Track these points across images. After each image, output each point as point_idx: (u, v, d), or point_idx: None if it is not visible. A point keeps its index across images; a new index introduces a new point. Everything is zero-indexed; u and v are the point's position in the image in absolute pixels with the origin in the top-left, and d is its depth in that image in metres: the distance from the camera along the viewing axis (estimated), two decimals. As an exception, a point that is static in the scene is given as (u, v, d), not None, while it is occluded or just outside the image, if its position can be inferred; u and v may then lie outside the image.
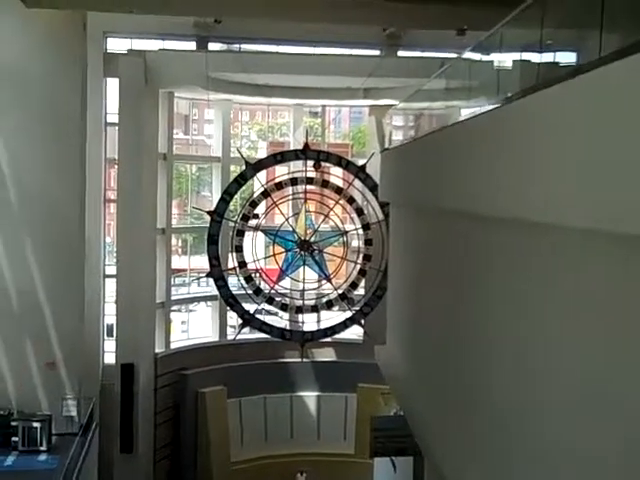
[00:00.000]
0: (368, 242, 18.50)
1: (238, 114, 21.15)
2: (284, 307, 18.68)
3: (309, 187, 18.63)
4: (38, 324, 14.84)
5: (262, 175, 18.55)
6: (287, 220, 18.78)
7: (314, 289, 19.06)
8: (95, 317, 17.25)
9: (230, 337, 18.96)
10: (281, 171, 19.48)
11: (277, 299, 18.56)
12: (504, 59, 7.81)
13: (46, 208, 14.82)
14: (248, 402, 18.64)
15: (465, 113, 8.77)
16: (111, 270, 17.72)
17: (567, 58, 6.60)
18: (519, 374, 6.02)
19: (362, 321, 18.39)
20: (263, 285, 18.75)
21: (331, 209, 18.73)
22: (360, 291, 18.92)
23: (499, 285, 6.66)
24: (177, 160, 19.11)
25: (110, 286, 17.68)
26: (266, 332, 18.22)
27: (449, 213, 8.41)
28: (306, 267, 18.75)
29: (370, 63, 17.37)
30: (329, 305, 18.73)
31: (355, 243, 19.23)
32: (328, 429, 18.90)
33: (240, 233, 18.12)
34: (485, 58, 8.56)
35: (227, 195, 17.87)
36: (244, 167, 17.99)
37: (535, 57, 6.84)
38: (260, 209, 18.51)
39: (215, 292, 18.37)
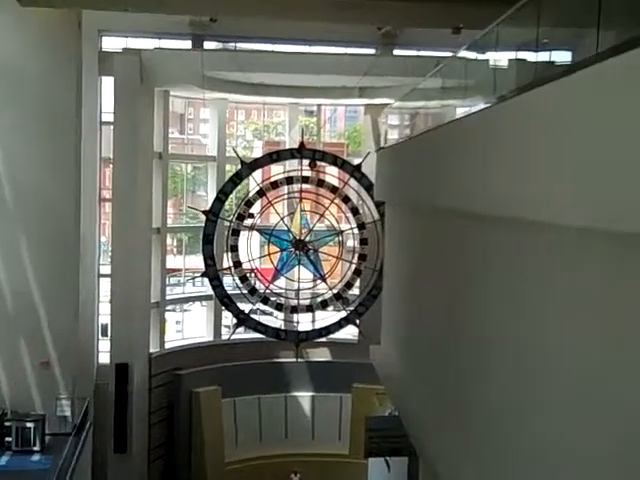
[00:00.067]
0: (363, 242, 18.47)
1: (233, 113, 21.08)
2: (279, 307, 18.65)
3: (304, 186, 18.61)
4: (32, 323, 14.79)
5: (258, 174, 18.52)
6: (282, 219, 18.75)
7: (309, 289, 19.02)
8: (89, 317, 17.20)
9: (225, 337, 18.92)
10: (276, 170, 19.44)
11: (272, 299, 18.53)
12: (499, 58, 7.80)
13: (41, 207, 14.78)
14: (242, 402, 18.60)
15: (460, 112, 8.75)
16: (106, 269, 17.66)
17: (562, 57, 6.59)
18: (515, 373, 6.01)
19: (357, 321, 18.37)
20: (258, 285, 18.72)
21: (326, 208, 18.71)
22: (355, 291, 18.89)
23: (495, 284, 6.64)
24: (172, 159, 19.05)
25: (105, 286, 17.61)
26: (261, 332, 18.19)
27: (445, 212, 8.39)
28: (301, 267, 18.72)
29: (366, 62, 17.34)
30: (324, 305, 18.70)
31: (350, 243, 19.21)
32: (323, 429, 18.87)
33: (235, 232, 18.09)
34: (480, 57, 8.56)
35: (222, 194, 17.84)
36: (239, 166, 17.96)
37: (530, 56, 6.84)
38: (255, 208, 18.49)
39: (210, 292, 18.34)
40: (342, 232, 18.87)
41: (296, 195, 18.72)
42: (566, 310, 4.98)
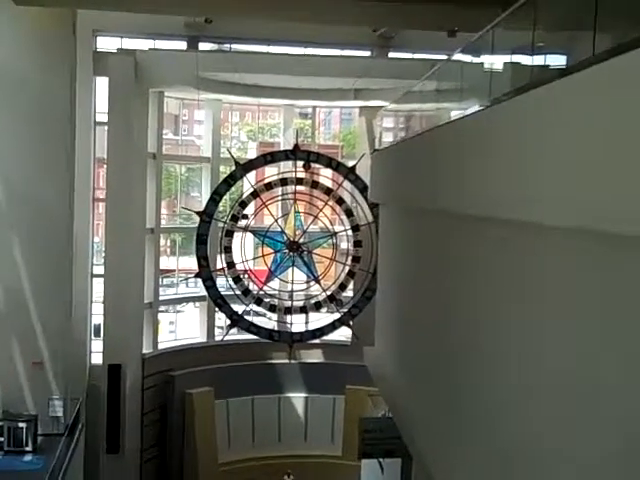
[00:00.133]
0: (357, 243, 18.49)
1: (228, 115, 21.08)
2: (272, 308, 18.66)
3: (299, 188, 18.61)
4: (25, 324, 14.75)
5: (252, 176, 18.53)
6: (276, 221, 18.75)
7: (303, 290, 19.03)
8: (82, 317, 17.14)
9: (218, 338, 18.89)
10: (271, 172, 19.45)
11: (266, 300, 18.54)
12: (494, 61, 7.83)
13: (34, 207, 14.74)
14: (236, 403, 18.56)
15: (455, 114, 8.79)
16: (99, 270, 17.61)
17: (557, 60, 6.63)
18: (508, 374, 6.03)
19: (350, 322, 18.38)
20: (252, 286, 18.72)
21: (320, 210, 18.72)
22: (349, 293, 18.90)
23: (489, 286, 6.67)
24: (166, 160, 19.03)
25: (98, 286, 17.56)
26: (254, 333, 18.19)
27: (439, 213, 8.42)
28: (295, 268, 18.73)
29: (361, 64, 17.40)
30: (318, 306, 18.71)
31: (344, 245, 19.23)
32: (316, 431, 18.85)
33: (229, 234, 18.09)
34: (475, 60, 8.59)
35: (216, 195, 17.84)
36: (234, 167, 17.96)
37: (524, 59, 6.87)
38: (249, 210, 18.49)
39: (203, 293, 18.33)
40: (336, 234, 18.88)
41: (290, 197, 18.73)
42: (559, 311, 5.02)
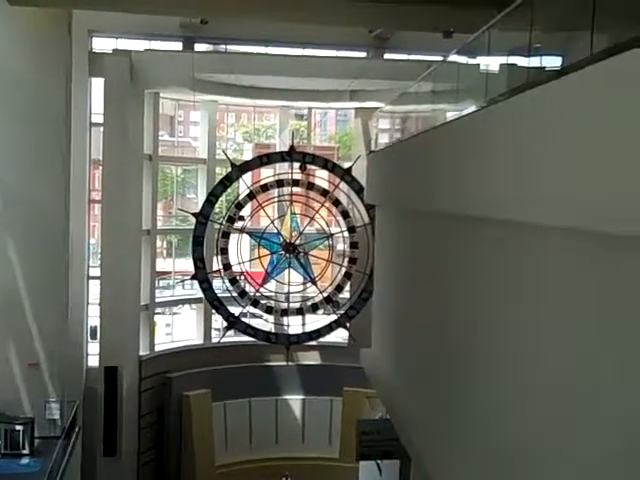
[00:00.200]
0: (354, 245, 18.49)
1: (224, 116, 21.06)
2: (269, 310, 18.63)
3: (295, 189, 18.60)
4: (21, 326, 14.72)
5: (248, 177, 18.51)
6: (273, 222, 18.73)
7: (299, 292, 19.02)
8: (79, 319, 17.10)
9: (215, 340, 18.86)
10: (266, 173, 19.43)
11: (262, 302, 18.52)
12: (489, 62, 7.83)
13: (29, 208, 14.70)
14: (233, 405, 18.53)
15: (450, 115, 8.78)
16: (95, 271, 17.57)
17: (553, 61, 6.62)
18: (505, 375, 6.03)
19: (347, 324, 18.36)
20: (248, 288, 18.69)
21: (317, 212, 18.71)
22: (345, 294, 18.89)
23: (486, 286, 6.66)
24: (162, 161, 18.99)
25: (94, 288, 17.52)
26: (251, 335, 18.16)
27: (435, 214, 8.41)
28: (291, 270, 18.71)
29: (357, 65, 17.39)
30: (314, 308, 18.70)
31: (340, 246, 19.22)
32: (313, 433, 18.82)
33: (225, 235, 18.08)
34: (470, 61, 8.59)
35: (213, 197, 17.82)
36: (230, 169, 17.94)
37: (520, 60, 6.87)
38: (245, 211, 18.47)
39: (199, 295, 18.30)
40: (332, 235, 18.87)
41: (286, 198, 18.71)
42: (557, 311, 5.01)
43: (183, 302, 20.48)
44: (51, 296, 15.10)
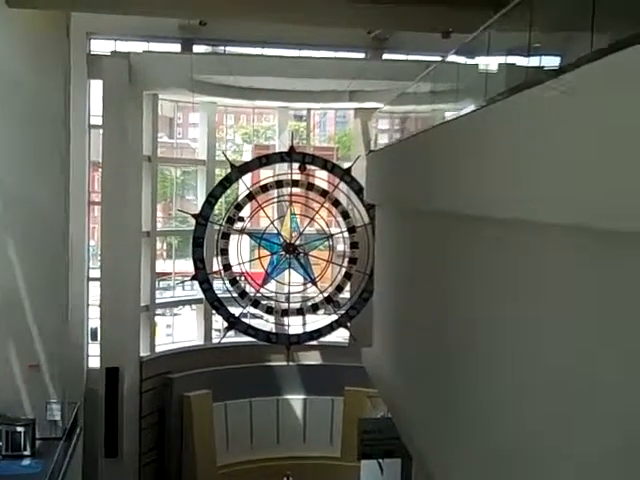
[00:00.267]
0: (354, 245, 18.52)
1: (223, 118, 21.09)
2: (270, 310, 18.65)
3: (294, 190, 18.63)
4: (21, 327, 14.72)
5: (247, 178, 18.53)
6: (272, 223, 18.75)
7: (300, 292, 19.04)
8: (79, 320, 17.12)
9: (215, 341, 18.88)
10: (266, 174, 19.46)
11: (263, 302, 18.54)
12: (488, 62, 7.86)
13: (29, 210, 14.71)
14: (234, 406, 18.55)
15: (449, 115, 8.81)
16: (95, 273, 17.60)
17: (551, 61, 6.65)
18: (505, 374, 6.05)
19: (348, 324, 18.38)
20: (248, 288, 18.72)
21: (317, 212, 18.74)
22: (346, 294, 18.91)
23: (485, 285, 6.69)
24: (162, 163, 19.00)
25: (94, 289, 17.54)
26: (251, 335, 18.18)
27: (434, 214, 8.44)
28: (292, 270, 18.74)
29: (355, 66, 17.42)
30: (315, 308, 18.73)
31: (340, 247, 19.25)
32: (314, 432, 18.84)
33: (225, 236, 18.10)
34: (469, 61, 8.62)
35: (212, 198, 17.85)
36: (229, 170, 17.98)
37: (519, 59, 6.90)
38: (245, 212, 18.50)
39: (200, 295, 18.32)
40: (332, 236, 18.90)
41: (286, 199, 18.74)
42: (557, 310, 5.03)
43: (183, 303, 20.51)
44: (51, 298, 15.11)
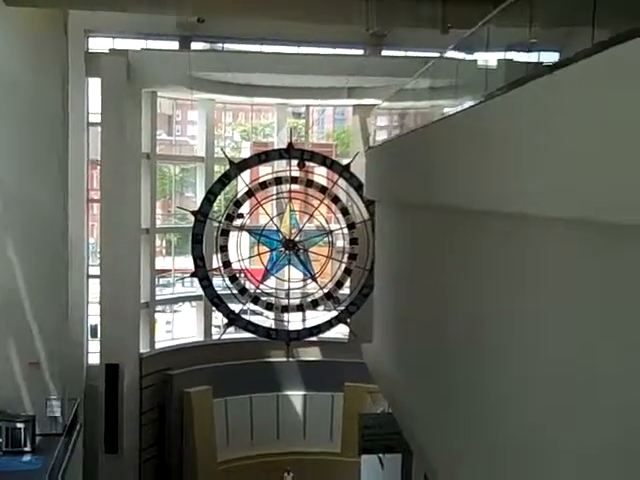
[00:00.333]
0: (353, 241, 18.55)
1: (221, 115, 21.09)
2: (269, 306, 18.68)
3: (293, 186, 18.66)
4: (21, 324, 14.77)
5: (246, 175, 18.55)
6: (272, 219, 18.78)
7: (299, 288, 19.08)
8: (79, 318, 17.15)
9: (215, 337, 18.92)
10: (265, 171, 19.49)
11: (262, 298, 18.57)
12: (487, 57, 7.87)
13: (28, 209, 14.73)
14: (234, 402, 18.59)
15: (448, 110, 8.82)
16: (95, 270, 17.62)
17: (550, 56, 6.67)
18: (507, 368, 6.07)
19: (348, 320, 18.42)
20: (248, 285, 18.74)
21: (316, 208, 18.76)
22: (345, 290, 18.95)
23: (487, 279, 6.71)
24: (160, 160, 19.02)
25: (94, 287, 17.56)
26: (251, 331, 18.23)
27: (435, 209, 8.46)
28: (291, 267, 18.76)
29: (354, 62, 17.45)
30: (314, 304, 18.76)
31: (340, 242, 19.27)
32: (314, 428, 18.89)
33: (225, 233, 18.13)
34: (467, 56, 8.63)
35: (211, 195, 17.87)
36: (228, 167, 17.99)
37: (518, 55, 6.92)
38: (244, 209, 18.52)
39: (199, 292, 18.34)
40: (332, 232, 18.93)
41: (285, 195, 18.77)
42: (560, 303, 5.05)
43: (183, 300, 20.52)
44: (51, 295, 15.13)
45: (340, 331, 19.19)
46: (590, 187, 4.16)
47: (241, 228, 18.44)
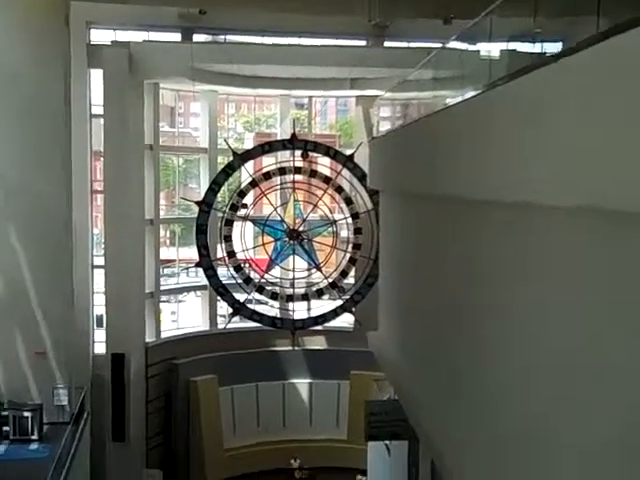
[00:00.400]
0: (357, 231, 18.62)
1: (224, 106, 21.13)
2: (274, 296, 18.78)
3: (297, 177, 18.73)
4: (27, 314, 14.84)
5: (249, 166, 18.62)
6: (276, 209, 18.86)
7: (304, 278, 19.17)
8: (84, 308, 17.21)
9: (221, 326, 19.03)
10: (268, 162, 19.55)
11: (267, 288, 18.66)
12: (489, 47, 7.90)
13: (32, 200, 14.77)
14: (240, 390, 18.72)
15: (452, 100, 8.85)
16: (100, 261, 17.71)
17: (553, 46, 6.71)
18: (509, 357, 6.11)
19: (353, 309, 18.51)
20: (253, 274, 18.84)
21: (320, 198, 18.83)
22: (350, 280, 19.04)
23: (491, 268, 6.74)
24: (164, 151, 19.09)
25: (99, 277, 17.66)
26: (257, 321, 18.34)
27: (439, 198, 8.50)
28: (296, 256, 18.85)
29: (356, 53, 17.47)
30: (319, 293, 18.86)
31: (344, 232, 19.36)
32: (320, 416, 19.02)
33: (229, 223, 18.21)
34: (470, 47, 8.66)
35: (215, 185, 17.96)
36: (231, 158, 18.07)
37: (521, 45, 6.95)
38: (248, 199, 18.60)
39: (204, 282, 18.45)
40: (336, 222, 19.01)
41: (289, 185, 18.84)
42: (564, 291, 5.08)
43: (188, 289, 20.62)
44: (56, 285, 15.20)
45: (345, 320, 19.30)
46: (598, 175, 4.17)
47: (245, 218, 18.52)
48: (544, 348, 5.32)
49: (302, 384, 19.26)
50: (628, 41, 3.82)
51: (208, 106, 19.11)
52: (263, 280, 18.65)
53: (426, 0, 14.75)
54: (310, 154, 18.42)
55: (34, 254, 14.86)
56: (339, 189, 18.61)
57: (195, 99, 19.97)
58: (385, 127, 14.83)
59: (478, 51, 8.39)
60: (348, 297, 18.61)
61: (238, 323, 18.87)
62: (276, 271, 19.11)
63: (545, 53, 6.45)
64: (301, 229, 18.78)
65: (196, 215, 17.85)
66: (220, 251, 18.30)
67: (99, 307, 17.55)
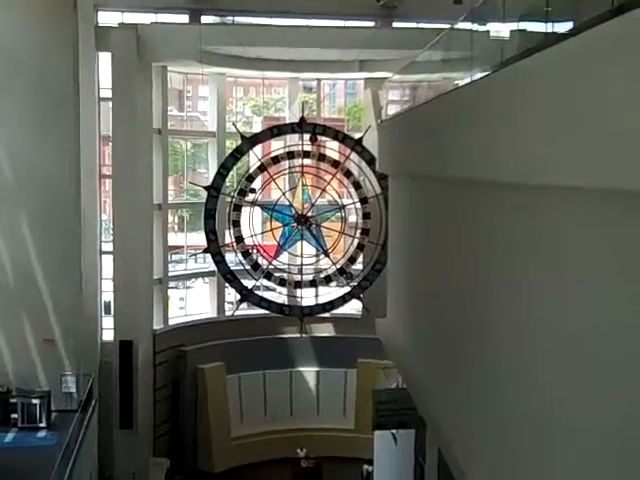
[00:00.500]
0: (366, 216, 18.42)
1: (232, 90, 20.93)
2: (282, 282, 18.65)
3: (306, 161, 18.54)
4: (35, 301, 14.78)
5: (258, 150, 18.45)
6: (284, 194, 18.70)
7: (312, 264, 19.02)
8: (92, 294, 17.13)
9: (228, 313, 18.93)
10: (277, 146, 19.37)
11: (275, 274, 18.53)
12: (499, 27, 7.66)
13: (40, 186, 14.68)
14: (247, 378, 18.66)
15: (460, 82, 8.62)
16: (108, 247, 17.62)
17: (563, 25, 6.47)
18: (521, 341, 5.99)
19: (361, 295, 18.36)
20: (261, 260, 18.72)
21: (328, 183, 18.63)
22: (358, 266, 18.87)
23: (500, 252, 6.60)
24: (172, 135, 18.94)
25: (107, 263, 17.58)
26: (265, 307, 18.23)
27: (450, 180, 8.31)
28: (304, 242, 18.69)
29: (365, 35, 17.20)
30: (328, 280, 18.70)
31: (353, 218, 19.17)
32: (327, 404, 18.96)
33: (237, 208, 18.07)
34: (480, 27, 8.41)
35: (224, 169, 17.81)
36: (240, 142, 17.88)
37: (529, 24, 6.73)
38: (257, 184, 18.44)
39: (212, 268, 18.35)
40: (344, 207, 18.82)
41: (297, 170, 18.65)
42: (573, 275, 4.95)
43: (196, 276, 20.54)
44: (64, 272, 15.12)
45: (353, 307, 19.15)
46: (619, 156, 3.98)
47: (253, 203, 18.36)
48: (558, 334, 5.19)
49: (309, 372, 19.16)
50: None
51: (216, 89, 18.93)
52: (271, 266, 18.50)
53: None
54: (319, 138, 18.20)
55: (43, 240, 14.78)
56: (347, 173, 18.39)
57: (203, 82, 19.77)
58: (394, 110, 14.59)
59: (488, 31, 8.15)
60: (356, 284, 18.43)
61: (246, 310, 18.77)
62: (284, 257, 18.97)
63: (554, 31, 6.22)
64: (309, 214, 18.59)
65: (204, 200, 17.68)
66: (228, 237, 18.16)
67: (107, 293, 17.49)
